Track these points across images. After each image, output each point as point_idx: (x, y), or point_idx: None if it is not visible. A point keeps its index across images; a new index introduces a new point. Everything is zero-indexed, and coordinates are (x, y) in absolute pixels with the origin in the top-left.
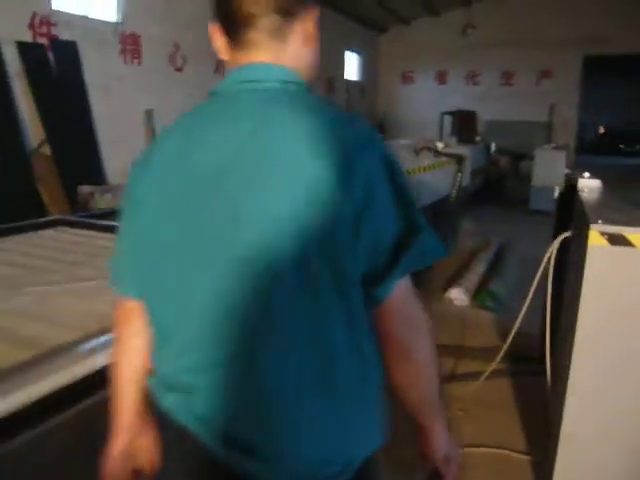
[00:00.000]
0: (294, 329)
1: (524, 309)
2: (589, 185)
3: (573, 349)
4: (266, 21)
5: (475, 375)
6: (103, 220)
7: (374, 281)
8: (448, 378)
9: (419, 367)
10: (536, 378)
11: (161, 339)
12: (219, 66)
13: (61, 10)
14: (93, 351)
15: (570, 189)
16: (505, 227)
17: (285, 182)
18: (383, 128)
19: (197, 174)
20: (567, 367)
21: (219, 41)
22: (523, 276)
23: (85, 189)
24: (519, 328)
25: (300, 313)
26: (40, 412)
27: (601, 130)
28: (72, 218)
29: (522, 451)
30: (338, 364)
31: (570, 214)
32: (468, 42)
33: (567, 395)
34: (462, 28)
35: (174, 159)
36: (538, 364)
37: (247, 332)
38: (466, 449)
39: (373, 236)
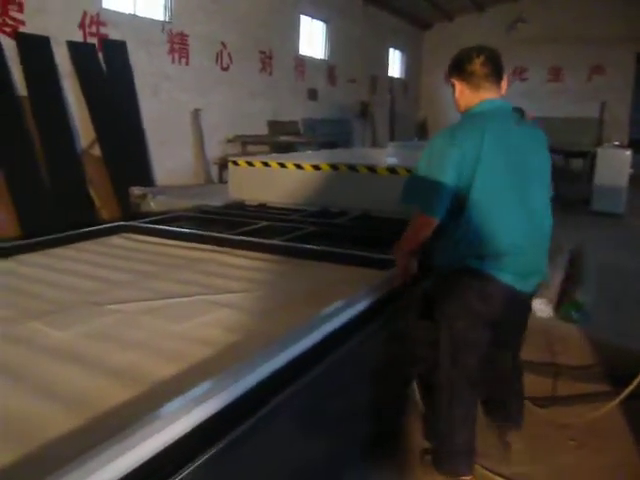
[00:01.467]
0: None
1: None
2: None
3: None
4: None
5: (581, 398)
6: (166, 225)
7: None
8: (549, 401)
9: None
10: None
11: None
12: (264, 66)
13: (110, 9)
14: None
15: None
16: (568, 230)
17: (542, 152)
18: (425, 128)
19: (513, 149)
20: None
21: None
22: (605, 286)
23: (137, 191)
24: (613, 344)
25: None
26: None
27: None
28: (136, 224)
29: None
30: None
31: None
32: (514, 38)
33: None
34: (510, 23)
35: (498, 140)
36: None
37: (538, 221)
38: None
39: None
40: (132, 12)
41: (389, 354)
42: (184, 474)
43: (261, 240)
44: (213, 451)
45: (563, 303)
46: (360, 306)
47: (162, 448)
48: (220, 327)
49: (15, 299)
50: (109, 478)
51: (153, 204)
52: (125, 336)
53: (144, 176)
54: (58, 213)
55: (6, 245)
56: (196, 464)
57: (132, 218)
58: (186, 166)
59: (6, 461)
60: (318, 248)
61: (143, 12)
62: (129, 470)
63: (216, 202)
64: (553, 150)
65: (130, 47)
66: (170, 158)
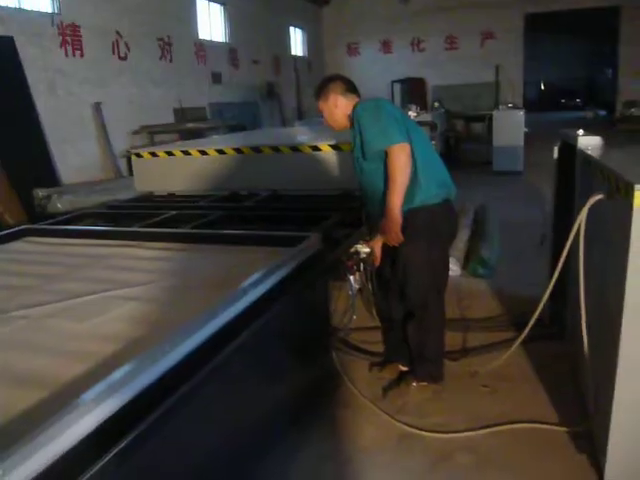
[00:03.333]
0: None
1: (554, 279)
2: (591, 143)
3: (623, 313)
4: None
5: (488, 347)
6: (71, 225)
7: None
8: (461, 353)
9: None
10: (549, 344)
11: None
12: (164, 53)
13: None
14: (118, 386)
15: (567, 148)
16: (473, 191)
17: None
18: None
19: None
20: (615, 332)
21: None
22: (507, 239)
23: (40, 192)
24: (515, 293)
25: None
26: None
27: (542, 86)
28: (39, 226)
29: (557, 423)
30: None
31: (571, 174)
32: (410, 9)
33: (619, 361)
34: None
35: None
36: (548, 329)
37: None
38: (497, 427)
39: None
40: (17, 5)
41: (303, 325)
42: (92, 472)
43: (167, 230)
44: (122, 444)
45: (470, 260)
46: (268, 283)
47: (70, 446)
48: (126, 321)
49: None
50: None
51: (60, 204)
52: (31, 341)
53: (47, 176)
54: None
55: None
56: (105, 459)
57: (38, 221)
58: (93, 162)
59: None
60: (225, 232)
61: (29, 5)
62: (41, 469)
63: (125, 196)
64: (455, 115)
65: (19, 42)
66: (75, 155)
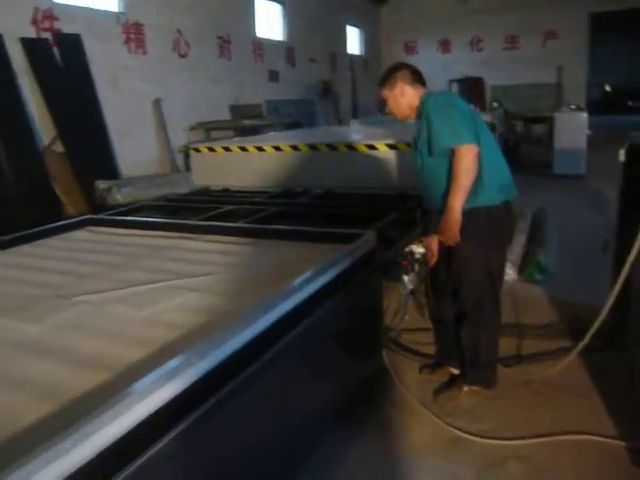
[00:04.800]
0: None
1: (617, 288)
2: None
3: None
4: None
5: (544, 355)
6: (130, 216)
7: None
8: (515, 359)
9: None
10: (609, 354)
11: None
12: (223, 51)
13: (63, 3)
14: (175, 373)
15: (635, 151)
16: (533, 194)
17: None
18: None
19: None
20: None
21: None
22: (567, 245)
23: (102, 184)
24: (573, 301)
25: None
26: None
27: (607, 88)
28: (100, 216)
29: (614, 436)
30: None
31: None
32: (469, 8)
33: None
34: None
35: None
36: (608, 339)
37: None
38: (550, 438)
39: None
40: (85, 5)
41: (355, 323)
42: (154, 450)
43: (225, 224)
44: (181, 427)
45: (526, 265)
46: (322, 279)
47: (132, 426)
48: (185, 310)
49: None
50: (84, 456)
51: (119, 196)
52: (92, 326)
53: (109, 169)
54: (23, 212)
55: None
56: (165, 440)
57: (99, 212)
58: (151, 156)
59: None
60: (280, 227)
61: (97, 4)
62: (102, 448)
63: (181, 190)
64: (514, 117)
65: (85, 40)
66: (134, 149)
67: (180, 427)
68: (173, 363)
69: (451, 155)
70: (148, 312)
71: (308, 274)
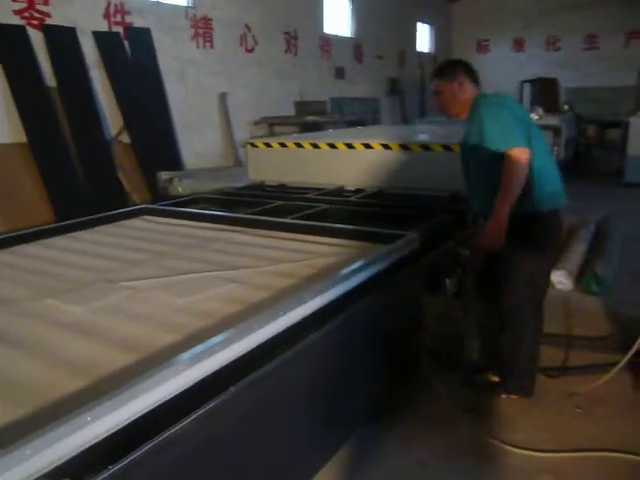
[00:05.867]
0: None
1: None
2: None
3: None
4: None
5: (590, 368)
6: (186, 207)
7: None
8: (560, 370)
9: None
10: None
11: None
12: (289, 46)
13: None
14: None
15: None
16: (600, 202)
17: None
18: None
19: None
20: None
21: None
22: (631, 258)
23: (164, 175)
24: (631, 315)
25: None
26: None
27: None
28: (155, 206)
29: None
30: None
31: None
32: (545, 5)
33: None
34: None
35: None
36: None
37: None
38: (586, 453)
39: None
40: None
41: (392, 322)
42: (174, 429)
43: (270, 218)
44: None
45: (584, 275)
46: (358, 277)
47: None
48: (222, 300)
49: (36, 279)
50: (107, 428)
51: (180, 188)
52: (133, 310)
53: (172, 160)
54: (89, 199)
55: (32, 230)
56: (182, 423)
57: (160, 201)
58: (214, 149)
59: (16, 417)
60: (325, 224)
61: None
62: (119, 426)
63: (241, 183)
64: (587, 120)
65: (155, 34)
66: (198, 142)
67: (198, 412)
68: (198, 349)
69: (501, 158)
70: (187, 300)
71: (343, 272)
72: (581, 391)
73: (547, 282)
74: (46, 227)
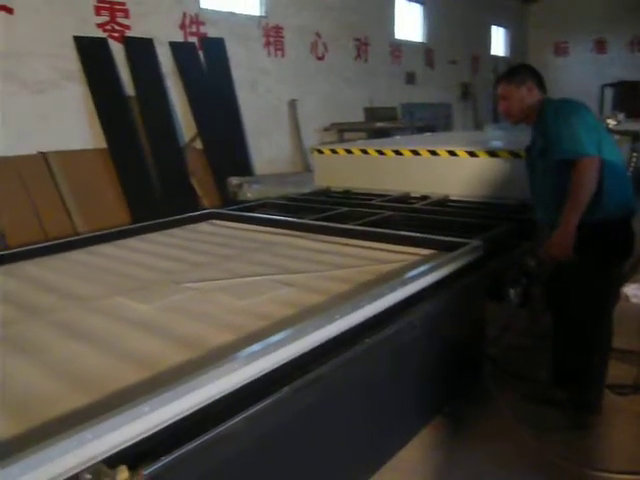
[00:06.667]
0: None
1: None
2: None
3: None
4: None
5: None
6: (251, 212)
7: None
8: (633, 388)
9: None
10: None
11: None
12: (360, 53)
13: (209, 8)
14: (251, 358)
15: None
16: None
17: None
18: None
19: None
20: None
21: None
22: None
23: (234, 181)
24: None
25: None
26: None
27: None
28: (222, 211)
29: None
30: None
31: None
32: (630, 4)
33: None
34: None
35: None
36: None
37: None
38: None
39: None
40: (229, 10)
41: (452, 331)
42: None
43: (332, 224)
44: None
45: None
46: (417, 284)
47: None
48: (279, 303)
49: (108, 278)
50: (162, 419)
51: (249, 193)
52: (194, 310)
53: (243, 166)
54: (164, 202)
55: (108, 231)
56: (235, 419)
57: (230, 206)
58: (284, 155)
59: (82, 404)
60: (387, 231)
61: (240, 9)
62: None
63: (307, 189)
64: None
65: (228, 43)
66: (268, 148)
67: (249, 411)
68: (253, 348)
69: (569, 166)
70: (246, 302)
71: (402, 278)
72: None
73: (617, 294)
74: (121, 229)
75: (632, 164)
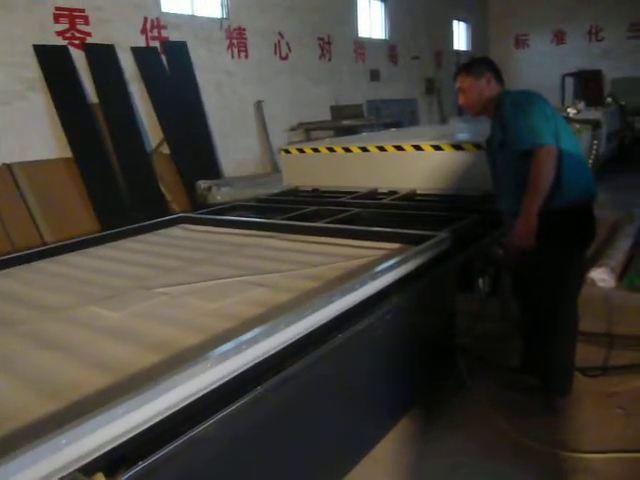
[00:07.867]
0: None
1: None
2: None
3: None
4: None
5: (632, 368)
6: (222, 215)
7: None
8: (600, 370)
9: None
10: None
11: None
12: (324, 52)
13: (170, 12)
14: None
15: None
16: None
17: None
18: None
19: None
20: None
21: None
22: None
23: (203, 184)
24: None
25: None
26: None
27: None
28: (193, 215)
29: None
30: None
31: None
32: None
33: None
34: None
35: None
36: None
37: None
38: (625, 454)
39: None
40: (190, 13)
41: (422, 324)
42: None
43: (302, 223)
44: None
45: (628, 272)
46: (386, 278)
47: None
48: (250, 304)
49: (78, 287)
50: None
51: (219, 196)
52: (165, 315)
53: (211, 169)
54: (132, 210)
55: (76, 240)
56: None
57: (199, 210)
58: (253, 156)
59: (54, 410)
60: (355, 227)
61: (201, 12)
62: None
63: (276, 190)
64: (633, 113)
65: (191, 46)
66: (236, 150)
67: (224, 412)
68: (223, 348)
69: (528, 156)
70: (217, 305)
71: (371, 272)
72: (622, 391)
73: (581, 279)
74: (89, 237)
75: (593, 152)
